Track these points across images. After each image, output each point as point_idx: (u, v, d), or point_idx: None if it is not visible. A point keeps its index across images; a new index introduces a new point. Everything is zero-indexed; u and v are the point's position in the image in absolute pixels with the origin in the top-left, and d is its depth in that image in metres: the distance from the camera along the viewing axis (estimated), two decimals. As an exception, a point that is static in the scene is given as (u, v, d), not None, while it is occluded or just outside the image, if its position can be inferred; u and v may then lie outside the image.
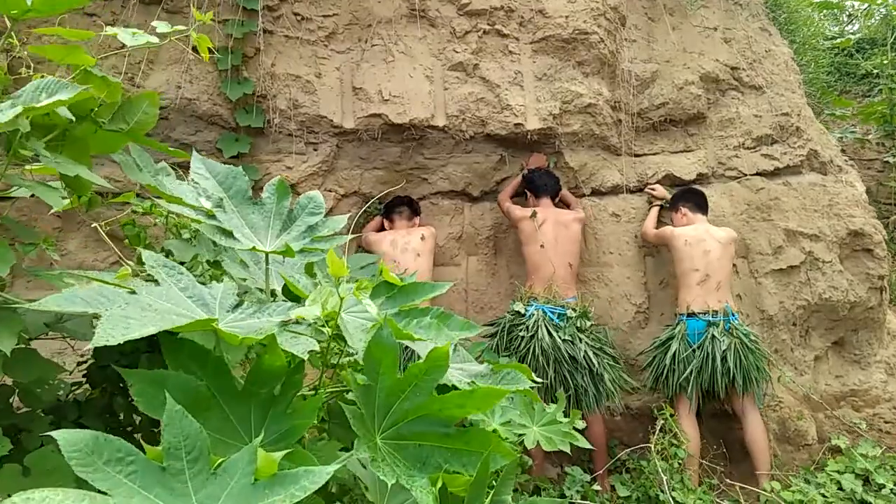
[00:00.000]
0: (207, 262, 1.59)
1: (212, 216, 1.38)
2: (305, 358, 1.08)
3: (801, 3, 8.96)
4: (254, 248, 1.34)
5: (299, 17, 4.21)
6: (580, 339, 3.89)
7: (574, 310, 4.01)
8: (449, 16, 4.42)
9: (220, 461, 0.94)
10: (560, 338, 3.83)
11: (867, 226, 4.70)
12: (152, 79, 3.91)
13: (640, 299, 4.49)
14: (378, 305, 1.37)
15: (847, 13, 10.84)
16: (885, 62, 7.59)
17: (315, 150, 4.23)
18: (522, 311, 3.99)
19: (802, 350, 4.60)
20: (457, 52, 4.36)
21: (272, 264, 1.48)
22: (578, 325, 3.95)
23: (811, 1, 9.53)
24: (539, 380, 1.62)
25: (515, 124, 4.31)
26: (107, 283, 1.16)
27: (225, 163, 4.14)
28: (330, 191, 4.30)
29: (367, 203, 4.47)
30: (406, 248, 4.10)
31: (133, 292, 1.11)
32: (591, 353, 3.86)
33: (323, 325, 1.13)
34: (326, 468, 0.93)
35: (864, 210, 4.79)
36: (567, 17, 4.43)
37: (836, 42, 8.61)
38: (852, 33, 9.02)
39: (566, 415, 2.10)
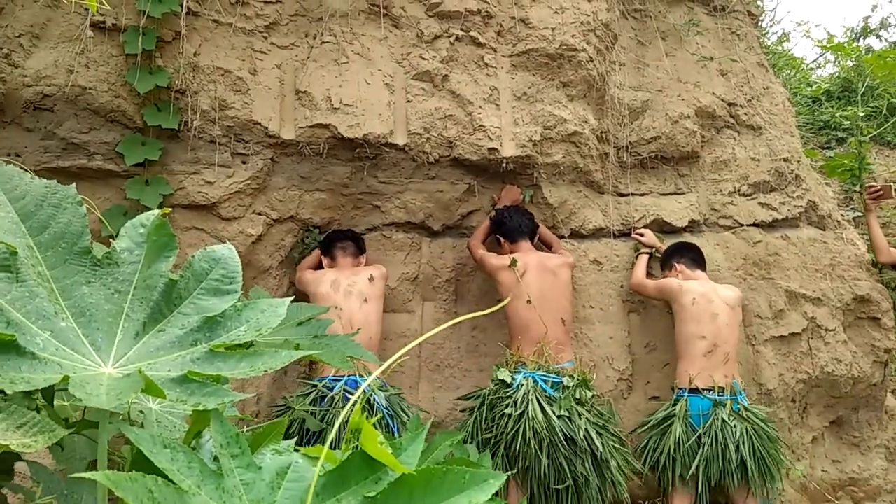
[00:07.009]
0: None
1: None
2: None
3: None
4: (65, 377, 0.57)
5: (234, 0, 3.43)
6: (579, 415, 3.16)
7: (571, 377, 3.29)
8: (416, 16, 3.70)
9: None
10: (555, 413, 3.11)
11: (874, 291, 4.17)
12: (36, 58, 3.04)
13: (624, 364, 3.81)
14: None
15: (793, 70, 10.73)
16: (860, 114, 7.25)
17: (244, 162, 3.42)
18: (509, 381, 3.25)
19: (800, 431, 4.00)
20: (423, 59, 3.65)
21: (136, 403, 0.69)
22: (577, 395, 3.23)
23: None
24: None
25: (489, 149, 3.61)
26: None
27: (126, 172, 3.35)
28: (260, 213, 3.50)
29: (304, 232, 3.68)
30: (350, 290, 3.32)
31: None
32: (592, 433, 3.14)
33: None
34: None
35: (869, 273, 4.26)
36: (553, 29, 3.77)
37: (810, 91, 8.33)
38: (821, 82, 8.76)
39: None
